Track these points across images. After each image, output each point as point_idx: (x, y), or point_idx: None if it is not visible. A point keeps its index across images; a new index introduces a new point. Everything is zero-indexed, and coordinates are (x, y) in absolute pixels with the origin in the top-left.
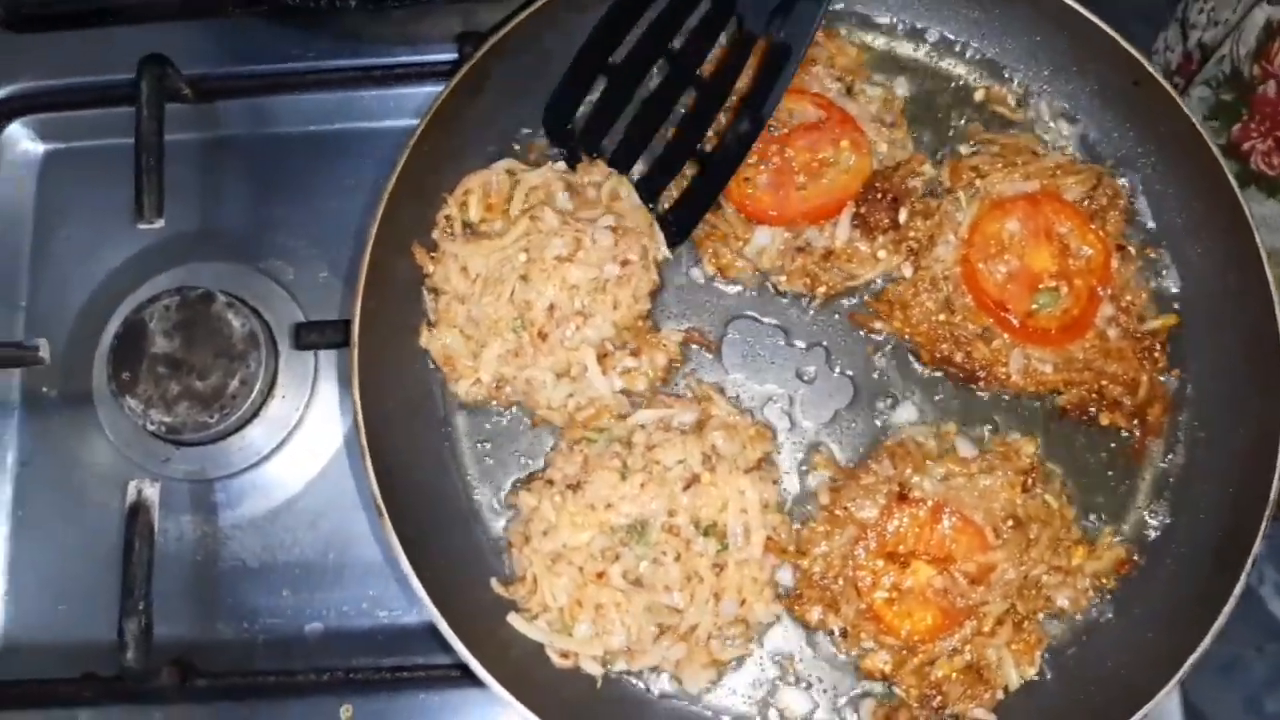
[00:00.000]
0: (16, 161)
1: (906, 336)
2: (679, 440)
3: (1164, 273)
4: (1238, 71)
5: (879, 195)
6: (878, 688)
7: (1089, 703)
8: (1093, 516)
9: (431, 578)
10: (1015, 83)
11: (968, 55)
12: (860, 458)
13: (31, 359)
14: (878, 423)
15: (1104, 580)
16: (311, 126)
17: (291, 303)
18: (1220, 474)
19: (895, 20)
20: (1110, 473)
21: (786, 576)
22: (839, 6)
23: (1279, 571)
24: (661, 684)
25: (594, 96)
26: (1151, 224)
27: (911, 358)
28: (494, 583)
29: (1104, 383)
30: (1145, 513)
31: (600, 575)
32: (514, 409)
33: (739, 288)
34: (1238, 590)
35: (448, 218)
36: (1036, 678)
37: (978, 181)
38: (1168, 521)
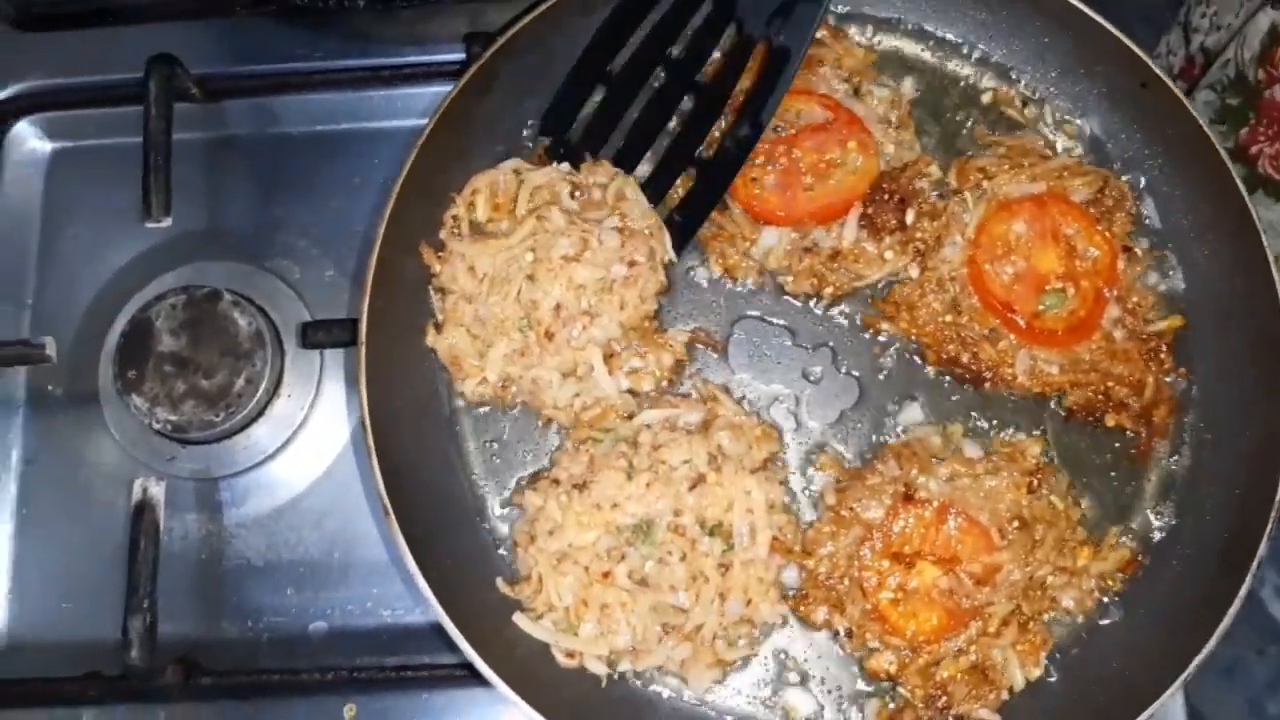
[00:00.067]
0: (24, 160)
1: (913, 337)
2: (685, 440)
3: (1170, 274)
4: (1243, 76)
5: (886, 196)
6: (883, 688)
7: (1093, 704)
8: (1098, 518)
9: (437, 577)
10: (1023, 84)
11: (975, 56)
12: (866, 458)
13: (38, 357)
14: (884, 423)
15: (1109, 581)
16: (318, 126)
17: (298, 302)
18: (1226, 476)
19: (903, 21)
20: (1115, 474)
21: (792, 577)
22: (846, 8)
23: None
24: (666, 684)
25: (594, 101)
26: (1158, 226)
27: (918, 358)
28: (499, 582)
29: (1110, 384)
30: (1150, 514)
31: (606, 575)
32: (520, 409)
33: (746, 288)
34: (1243, 592)
35: (455, 217)
36: (1041, 679)
37: (985, 183)
38: (1173, 523)
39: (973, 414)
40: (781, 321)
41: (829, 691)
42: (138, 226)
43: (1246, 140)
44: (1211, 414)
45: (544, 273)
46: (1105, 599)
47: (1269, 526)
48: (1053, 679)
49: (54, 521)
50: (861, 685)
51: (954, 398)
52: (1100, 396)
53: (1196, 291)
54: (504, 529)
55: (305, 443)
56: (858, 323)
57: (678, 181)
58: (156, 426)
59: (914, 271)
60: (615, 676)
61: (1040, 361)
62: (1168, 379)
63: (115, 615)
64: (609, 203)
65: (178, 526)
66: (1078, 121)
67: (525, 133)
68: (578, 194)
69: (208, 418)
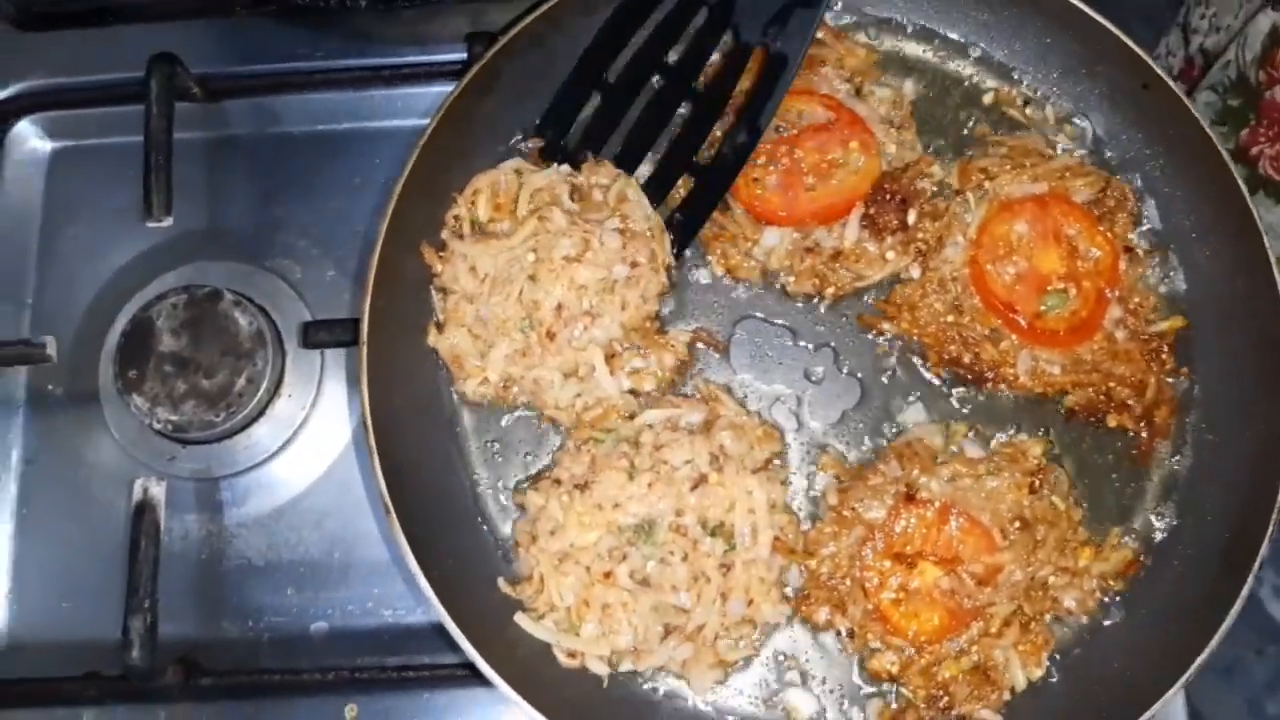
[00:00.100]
0: (25, 159)
1: (915, 337)
2: (687, 440)
3: (1172, 275)
4: (1244, 77)
5: (888, 196)
6: (884, 688)
7: (1095, 704)
8: (1100, 518)
9: (439, 577)
10: (1024, 85)
11: (977, 57)
12: (868, 458)
13: (38, 357)
14: (885, 423)
15: (1111, 581)
16: (320, 126)
17: (298, 302)
18: (1227, 476)
19: (904, 21)
20: (1117, 474)
21: (794, 577)
22: (847, 9)
23: (1279, 574)
24: (668, 684)
25: (591, 108)
26: (1160, 226)
27: (919, 359)
28: (501, 582)
29: (1112, 384)
30: (1152, 514)
31: (607, 575)
32: (522, 409)
33: (747, 288)
34: (1245, 592)
35: (456, 217)
36: (1043, 679)
37: (986, 183)
38: (1174, 523)
39: (974, 414)
40: (783, 322)
41: (830, 692)
42: (138, 226)
43: (1247, 141)
44: (1213, 414)
45: (545, 273)
46: (1107, 599)
47: (1270, 527)
48: (1054, 679)
49: (54, 521)
50: (863, 686)
51: (955, 398)
52: (1102, 397)
53: (1198, 292)
54: (505, 529)
55: (306, 443)
56: (859, 323)
57: (677, 184)
58: (157, 426)
59: (916, 272)
60: (617, 677)
61: (1042, 362)
62: (1169, 379)
63: (115, 615)
64: (610, 204)
65: (178, 526)
66: (1079, 122)
67: (525, 135)
68: (577, 195)
69: (208, 418)
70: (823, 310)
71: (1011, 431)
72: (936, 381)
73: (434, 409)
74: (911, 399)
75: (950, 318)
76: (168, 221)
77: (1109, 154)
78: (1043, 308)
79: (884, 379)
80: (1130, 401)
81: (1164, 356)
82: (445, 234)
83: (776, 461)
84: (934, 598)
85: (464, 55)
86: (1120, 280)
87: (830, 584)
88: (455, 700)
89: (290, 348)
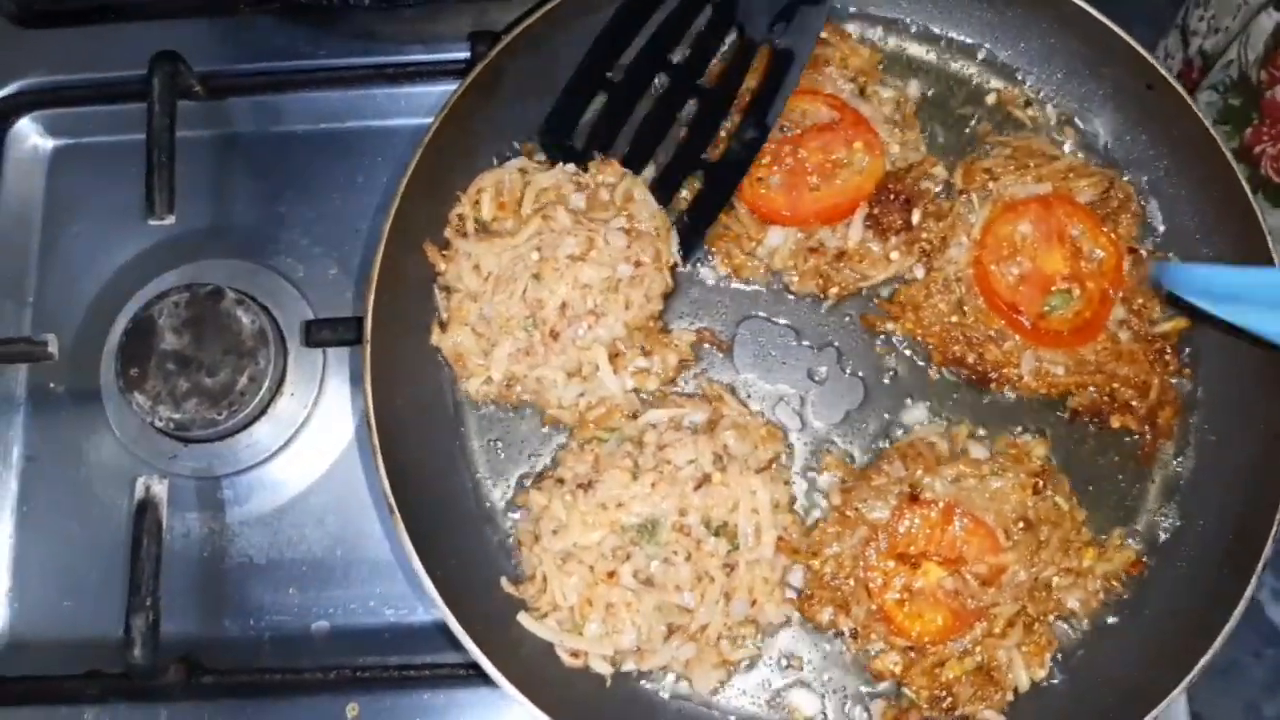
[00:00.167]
0: (26, 157)
1: (918, 338)
2: (690, 440)
3: None
4: (1245, 77)
5: (892, 196)
6: (888, 689)
7: (1098, 705)
8: (1103, 519)
9: (442, 576)
10: (1028, 85)
11: (980, 57)
12: (871, 459)
13: (40, 354)
14: (889, 424)
15: (1114, 582)
16: (322, 124)
17: (301, 300)
18: (1230, 477)
19: (909, 22)
20: (1121, 475)
21: (797, 577)
22: (851, 9)
23: (1277, 577)
24: (671, 684)
25: (596, 107)
26: (1163, 227)
27: (923, 359)
28: (504, 581)
29: (1115, 385)
30: (1155, 515)
31: (611, 574)
32: (525, 408)
33: (751, 288)
34: (1248, 593)
35: (460, 216)
36: (1046, 680)
37: (990, 183)
38: (1178, 524)
39: (978, 415)
40: (787, 321)
41: (834, 692)
42: (140, 224)
43: (1250, 140)
44: (1216, 415)
45: (549, 272)
46: (1110, 600)
47: (1273, 529)
48: (1057, 680)
49: (56, 519)
50: (866, 686)
51: (959, 398)
52: (1105, 398)
53: None
54: (508, 528)
55: (308, 441)
56: (863, 323)
57: (685, 184)
58: (159, 425)
59: (919, 272)
60: (620, 676)
61: (1045, 362)
62: (1173, 380)
63: (117, 613)
64: (616, 203)
65: (180, 525)
66: (1083, 123)
67: (532, 131)
68: (584, 194)
69: (210, 416)
70: (826, 310)
71: (1015, 432)
72: (940, 382)
73: (437, 408)
74: (915, 399)
75: (954, 318)
76: (170, 220)
77: (1113, 154)
78: (1046, 308)
79: (887, 379)
80: (1134, 402)
81: (1167, 357)
82: (449, 232)
83: (780, 461)
84: (937, 598)
85: (467, 54)
86: (1124, 281)
87: (834, 584)
88: (457, 700)
89: (292, 346)
